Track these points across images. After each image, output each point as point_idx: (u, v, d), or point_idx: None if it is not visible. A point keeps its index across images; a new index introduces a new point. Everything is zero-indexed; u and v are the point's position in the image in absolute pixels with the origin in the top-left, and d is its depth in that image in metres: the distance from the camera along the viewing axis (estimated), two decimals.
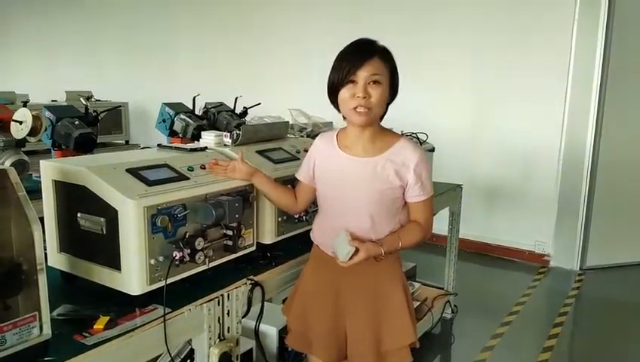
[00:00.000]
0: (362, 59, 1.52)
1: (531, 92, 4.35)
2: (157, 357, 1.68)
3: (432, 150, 3.15)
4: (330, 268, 1.63)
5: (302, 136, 2.62)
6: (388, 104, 1.62)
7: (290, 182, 1.88)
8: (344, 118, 1.63)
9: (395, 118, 3.27)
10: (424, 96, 4.70)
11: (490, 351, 3.05)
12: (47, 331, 1.17)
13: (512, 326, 3.36)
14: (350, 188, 1.62)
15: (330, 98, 1.61)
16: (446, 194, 3.15)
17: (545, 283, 4.18)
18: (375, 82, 1.52)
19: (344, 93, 1.55)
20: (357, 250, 1.53)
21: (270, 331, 2.32)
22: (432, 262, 4.00)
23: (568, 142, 4.27)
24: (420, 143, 2.98)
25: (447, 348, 3.20)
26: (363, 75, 1.51)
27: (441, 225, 3.65)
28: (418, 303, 3.05)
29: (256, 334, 1.90)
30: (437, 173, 3.27)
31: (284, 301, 2.59)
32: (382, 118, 1.65)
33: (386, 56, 1.56)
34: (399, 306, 1.69)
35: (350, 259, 1.53)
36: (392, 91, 1.59)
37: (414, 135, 3.00)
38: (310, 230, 1.83)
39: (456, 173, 3.86)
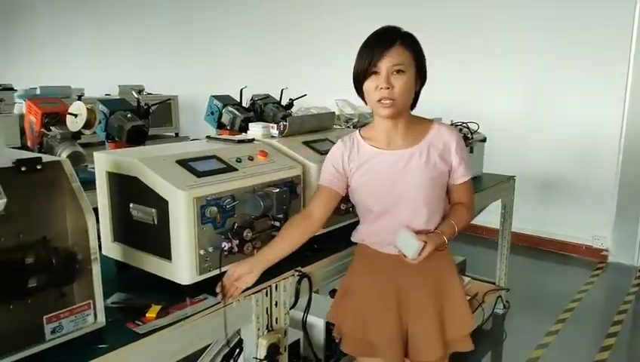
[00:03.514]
0: (383, 49, 1.46)
1: (589, 79, 4.16)
2: (205, 347, 1.70)
3: (484, 140, 3.06)
4: (386, 267, 1.59)
5: (348, 127, 2.59)
6: (418, 91, 1.56)
7: None
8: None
9: (444, 106, 3.20)
10: (474, 85, 4.57)
11: (545, 348, 2.95)
12: (102, 319, 1.20)
13: (567, 324, 3.23)
14: (402, 183, 1.55)
15: (356, 90, 1.56)
16: (498, 186, 3.05)
17: (603, 279, 4.00)
18: (398, 71, 1.46)
19: (368, 85, 1.50)
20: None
21: (317, 322, 2.31)
22: (483, 256, 3.90)
23: (630, 130, 4.06)
24: (471, 133, 2.90)
25: (499, 344, 3.11)
26: (385, 65, 1.46)
27: (492, 218, 3.55)
28: (468, 298, 2.97)
29: (304, 325, 1.89)
30: (488, 164, 3.19)
31: (331, 292, 2.59)
32: (413, 106, 1.59)
33: (409, 43, 1.49)
34: (458, 293, 1.66)
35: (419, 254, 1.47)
36: (421, 78, 1.54)
37: (464, 125, 2.92)
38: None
39: (508, 164, 3.73)
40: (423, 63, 1.54)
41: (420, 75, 1.54)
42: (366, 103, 1.56)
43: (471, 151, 2.86)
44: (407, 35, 1.51)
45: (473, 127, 2.95)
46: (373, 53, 1.47)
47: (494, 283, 3.31)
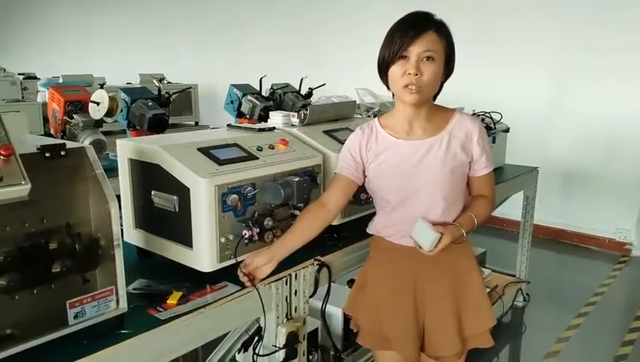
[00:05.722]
0: (416, 34, 1.39)
1: (615, 69, 4.06)
2: (225, 334, 1.71)
3: (507, 130, 3.01)
4: (402, 260, 1.57)
5: (369, 116, 2.57)
6: (442, 82, 1.51)
7: None
8: (393, 96, 1.53)
9: (467, 96, 3.15)
10: (497, 73, 4.50)
11: (565, 342, 2.91)
12: (124, 305, 1.21)
13: (589, 318, 3.19)
14: (422, 172, 1.52)
15: (380, 75, 1.50)
16: (521, 178, 3.00)
17: (626, 273, 3.93)
18: (428, 58, 1.41)
19: (395, 70, 1.44)
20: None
21: (335, 312, 2.31)
22: (503, 248, 3.86)
23: None
24: (494, 123, 2.85)
25: (518, 337, 3.08)
26: (416, 50, 1.39)
27: (514, 210, 3.51)
28: (488, 290, 2.94)
29: (323, 314, 1.89)
30: (511, 155, 3.14)
31: (349, 282, 2.59)
32: (435, 98, 1.55)
33: (442, 31, 1.44)
34: (477, 289, 1.62)
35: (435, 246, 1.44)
36: (448, 69, 1.48)
37: (487, 114, 2.87)
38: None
39: (531, 155, 3.67)
40: (453, 55, 1.48)
41: (447, 67, 1.48)
42: (388, 88, 1.51)
43: (493, 141, 2.81)
44: (441, 24, 1.46)
45: (496, 117, 2.90)
46: (404, 37, 1.40)
47: (515, 276, 3.27)
